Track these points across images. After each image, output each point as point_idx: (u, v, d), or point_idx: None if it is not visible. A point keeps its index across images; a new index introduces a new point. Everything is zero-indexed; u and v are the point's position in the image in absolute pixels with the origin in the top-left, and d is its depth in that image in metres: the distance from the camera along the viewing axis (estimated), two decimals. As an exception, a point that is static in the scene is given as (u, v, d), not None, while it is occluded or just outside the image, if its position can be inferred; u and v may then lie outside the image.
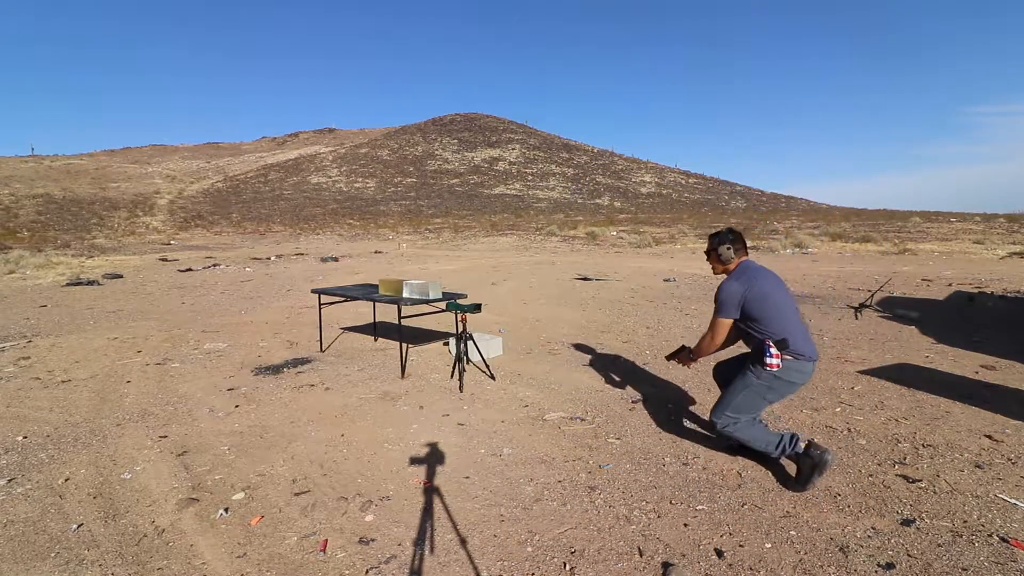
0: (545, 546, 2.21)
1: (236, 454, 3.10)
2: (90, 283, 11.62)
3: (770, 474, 2.76)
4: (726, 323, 2.77)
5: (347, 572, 2.07)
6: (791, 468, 2.74)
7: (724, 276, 2.93)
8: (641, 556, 2.13)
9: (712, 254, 2.93)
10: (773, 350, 2.64)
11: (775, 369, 2.64)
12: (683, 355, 3.16)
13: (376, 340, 5.91)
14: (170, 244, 28.48)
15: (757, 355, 2.72)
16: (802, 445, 2.67)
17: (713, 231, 3.00)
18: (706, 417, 3.32)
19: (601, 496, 2.58)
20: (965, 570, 2.00)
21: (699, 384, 4.21)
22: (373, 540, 2.26)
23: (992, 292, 8.59)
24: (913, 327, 6.14)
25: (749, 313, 2.72)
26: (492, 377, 4.46)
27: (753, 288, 2.70)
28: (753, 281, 2.72)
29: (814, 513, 2.40)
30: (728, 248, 2.86)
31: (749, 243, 20.43)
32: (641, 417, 3.57)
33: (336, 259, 17.82)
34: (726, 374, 3.06)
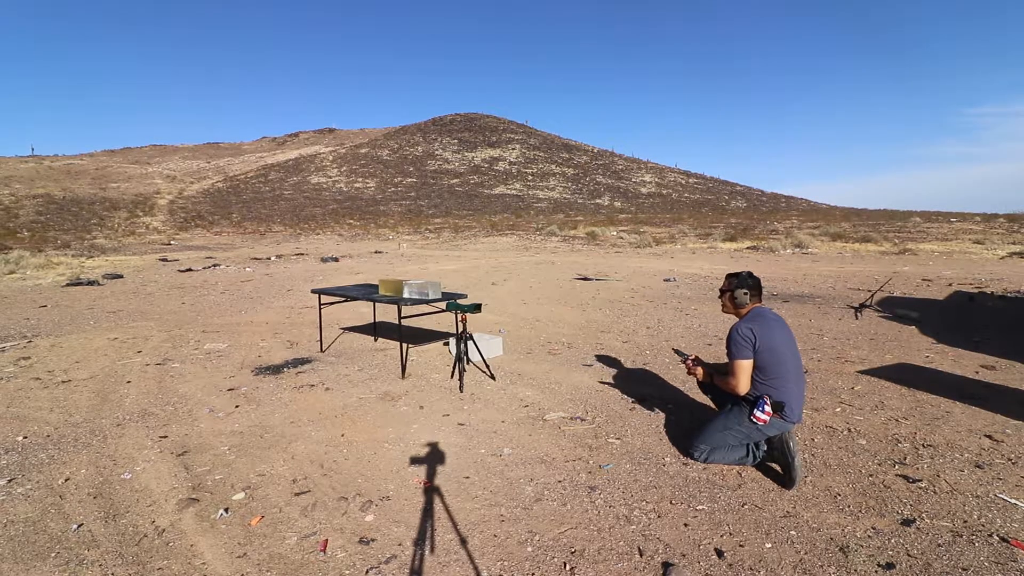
0: (545, 546, 2.21)
1: (236, 454, 3.10)
2: (90, 283, 11.62)
3: (770, 474, 2.76)
4: (746, 364, 2.74)
5: (347, 572, 2.07)
6: (778, 467, 2.77)
7: (734, 318, 2.95)
8: (641, 556, 2.13)
9: (727, 294, 2.94)
10: (767, 407, 2.68)
11: (761, 424, 2.70)
12: (695, 364, 3.09)
13: (376, 340, 5.91)
14: (170, 244, 28.48)
15: (749, 402, 2.78)
16: (764, 444, 2.79)
17: (732, 271, 2.98)
18: (705, 416, 3.32)
19: (601, 496, 2.58)
20: (965, 570, 2.00)
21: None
22: (373, 540, 2.26)
23: (992, 292, 8.59)
24: (913, 327, 6.14)
25: (757, 362, 2.74)
26: (492, 377, 4.46)
27: (765, 339, 2.71)
28: (766, 331, 2.73)
29: (814, 513, 2.40)
30: (745, 293, 2.87)
31: (749, 243, 20.46)
32: (641, 417, 3.57)
33: (336, 259, 17.82)
34: (712, 389, 3.18)
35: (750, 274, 2.94)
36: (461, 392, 4.10)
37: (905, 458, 2.90)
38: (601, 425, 3.45)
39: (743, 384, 2.76)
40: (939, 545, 2.15)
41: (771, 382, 2.72)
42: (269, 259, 18.34)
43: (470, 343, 4.37)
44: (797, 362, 2.81)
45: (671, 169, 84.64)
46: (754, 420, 2.70)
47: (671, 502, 2.52)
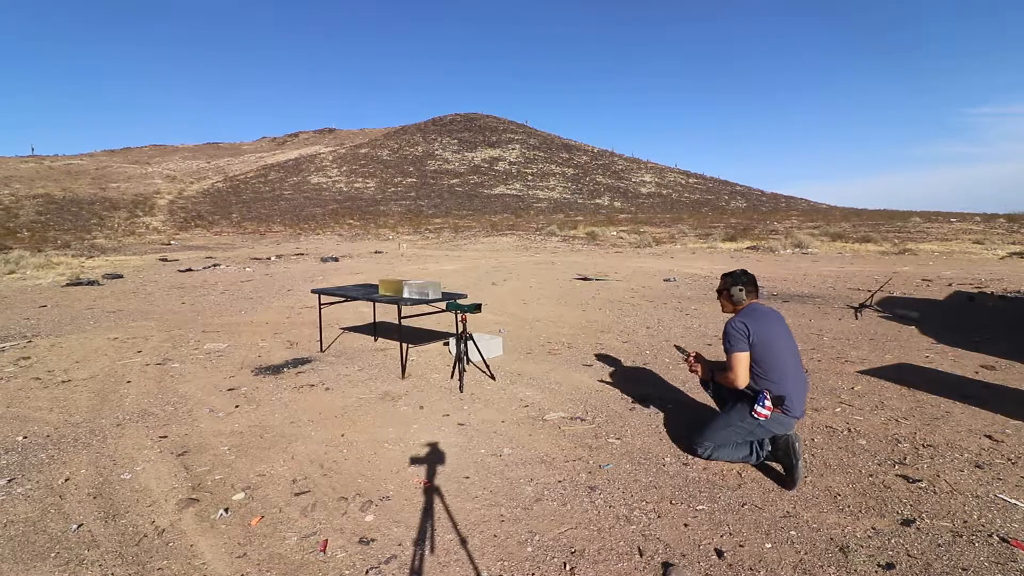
0: (545, 546, 2.21)
1: (236, 454, 3.10)
2: (90, 283, 11.62)
3: (770, 474, 2.76)
4: (742, 356, 2.75)
5: (347, 572, 2.07)
6: (780, 467, 2.77)
7: (732, 315, 2.97)
8: (641, 556, 2.13)
9: (724, 293, 2.98)
10: (768, 402, 2.69)
11: (762, 419, 2.70)
12: (695, 360, 3.11)
13: (376, 340, 5.91)
14: (170, 244, 28.48)
15: (750, 399, 2.78)
16: (769, 443, 2.78)
17: (727, 271, 3.04)
18: (706, 416, 3.32)
19: (601, 496, 2.58)
20: (965, 570, 2.00)
21: (698, 385, 4.20)
22: (373, 540, 2.26)
23: (992, 292, 8.60)
24: (913, 327, 6.14)
25: (754, 356, 2.75)
26: (492, 377, 4.46)
27: (760, 332, 2.73)
28: (760, 324, 2.75)
29: (814, 513, 2.40)
30: (740, 290, 2.90)
31: (749, 243, 20.47)
32: (641, 417, 3.57)
33: (336, 259, 17.83)
34: (713, 386, 3.16)
35: (744, 271, 2.96)
36: (461, 392, 4.10)
37: (905, 458, 2.90)
38: (601, 425, 3.45)
39: (742, 376, 2.77)
40: (939, 545, 2.15)
41: (769, 375, 2.73)
42: (269, 259, 18.35)
43: (470, 343, 4.37)
44: (795, 356, 2.82)
45: (671, 169, 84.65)
46: (755, 416, 2.70)
47: (671, 502, 2.52)
